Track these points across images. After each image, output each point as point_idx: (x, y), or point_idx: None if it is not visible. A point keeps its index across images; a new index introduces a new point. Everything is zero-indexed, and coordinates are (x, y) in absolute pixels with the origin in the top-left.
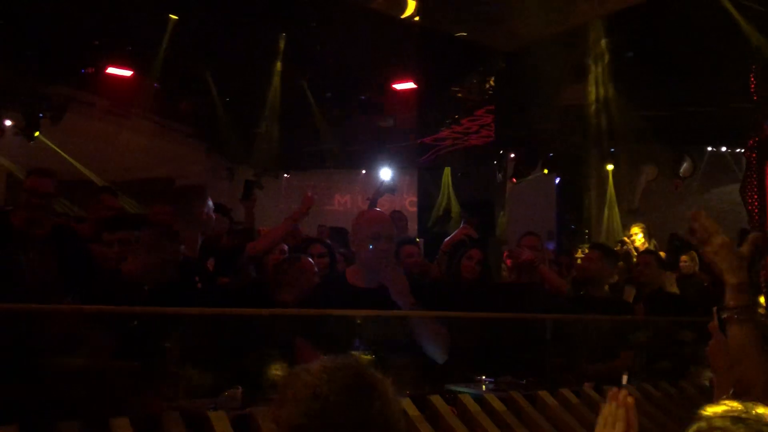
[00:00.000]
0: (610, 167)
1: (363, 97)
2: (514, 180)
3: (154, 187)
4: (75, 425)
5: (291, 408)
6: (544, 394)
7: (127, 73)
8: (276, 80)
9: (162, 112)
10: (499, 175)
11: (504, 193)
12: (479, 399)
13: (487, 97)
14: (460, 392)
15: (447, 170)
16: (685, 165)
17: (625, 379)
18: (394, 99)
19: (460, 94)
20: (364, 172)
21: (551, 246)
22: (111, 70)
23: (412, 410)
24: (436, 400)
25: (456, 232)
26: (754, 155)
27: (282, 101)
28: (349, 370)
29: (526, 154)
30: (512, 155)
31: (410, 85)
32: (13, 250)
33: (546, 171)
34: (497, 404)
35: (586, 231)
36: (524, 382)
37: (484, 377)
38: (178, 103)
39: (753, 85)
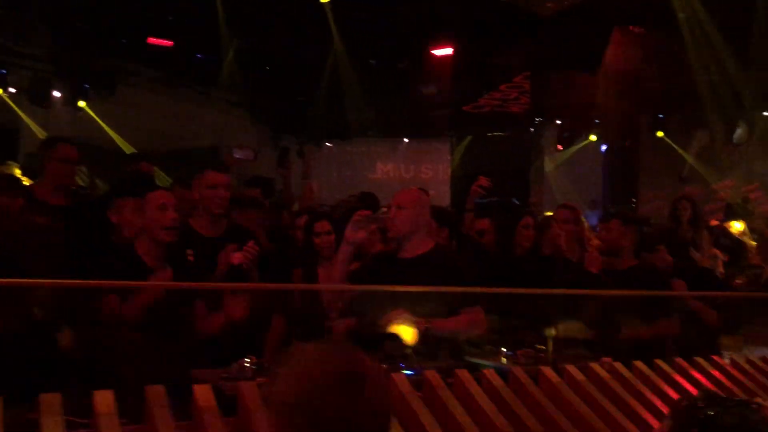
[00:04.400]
0: (660, 133)
1: (402, 64)
2: (560, 147)
3: (199, 157)
4: (58, 396)
5: (282, 386)
6: (572, 369)
7: (168, 43)
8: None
9: (206, 81)
10: (540, 142)
11: (541, 161)
12: (502, 373)
13: (526, 62)
14: (482, 365)
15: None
16: (739, 131)
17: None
18: (433, 65)
19: (498, 60)
20: (406, 140)
21: (595, 216)
22: (152, 40)
23: (437, 381)
24: (462, 373)
25: (471, 189)
26: None
27: (325, 70)
28: (344, 355)
29: (571, 121)
30: (558, 122)
31: (448, 50)
32: (35, 221)
33: (593, 138)
34: (524, 378)
35: (634, 201)
36: (542, 355)
37: (504, 350)
38: (223, 73)
39: None
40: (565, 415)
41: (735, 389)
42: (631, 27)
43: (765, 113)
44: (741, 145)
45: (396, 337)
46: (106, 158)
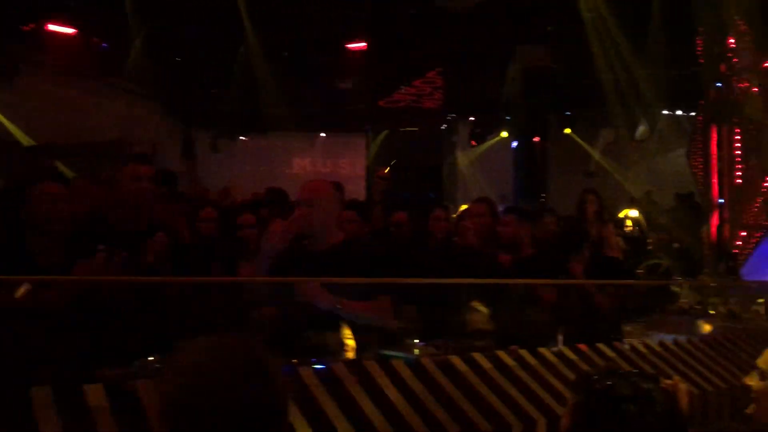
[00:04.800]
0: (568, 130)
1: (317, 58)
2: (474, 143)
3: (105, 150)
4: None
5: (172, 383)
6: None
7: (70, 31)
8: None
9: (113, 72)
10: (453, 138)
11: (455, 156)
12: (412, 363)
13: (439, 58)
14: (393, 357)
15: (385, 133)
16: (641, 128)
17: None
18: (348, 59)
19: (411, 55)
20: (323, 135)
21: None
22: (52, 27)
23: (344, 374)
24: (370, 365)
25: (374, 181)
26: (700, 118)
27: (239, 63)
28: (236, 349)
29: (484, 117)
30: (471, 118)
31: (362, 45)
32: None
33: (505, 134)
34: (431, 368)
35: (543, 195)
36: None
37: (418, 341)
38: (130, 63)
39: (699, 48)
40: (472, 404)
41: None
42: (540, 25)
43: (665, 111)
44: (643, 141)
45: (319, 327)
46: (2, 151)
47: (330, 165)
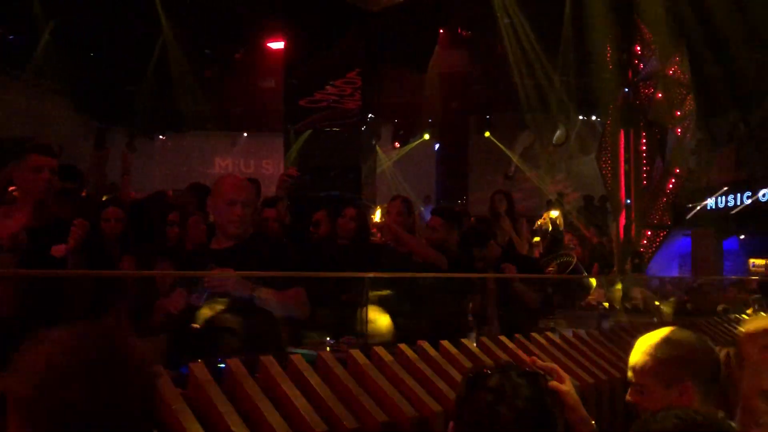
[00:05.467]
0: (487, 134)
1: (237, 56)
2: (397, 145)
3: (10, 146)
4: None
5: (21, 378)
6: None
7: None
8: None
9: (19, 65)
10: (374, 139)
11: (374, 156)
12: (312, 359)
13: (358, 59)
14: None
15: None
16: (558, 133)
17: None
18: (267, 58)
19: (331, 55)
20: (245, 134)
21: (429, 210)
22: None
23: (239, 369)
24: (267, 360)
25: (279, 178)
26: (608, 122)
27: (156, 59)
28: (97, 340)
29: (404, 119)
30: (395, 120)
31: (281, 44)
32: None
33: (427, 137)
34: (331, 361)
35: (463, 197)
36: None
37: (328, 339)
38: (38, 56)
39: (608, 55)
40: (371, 396)
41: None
42: (459, 30)
43: (581, 117)
44: (560, 145)
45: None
46: None
47: (253, 165)
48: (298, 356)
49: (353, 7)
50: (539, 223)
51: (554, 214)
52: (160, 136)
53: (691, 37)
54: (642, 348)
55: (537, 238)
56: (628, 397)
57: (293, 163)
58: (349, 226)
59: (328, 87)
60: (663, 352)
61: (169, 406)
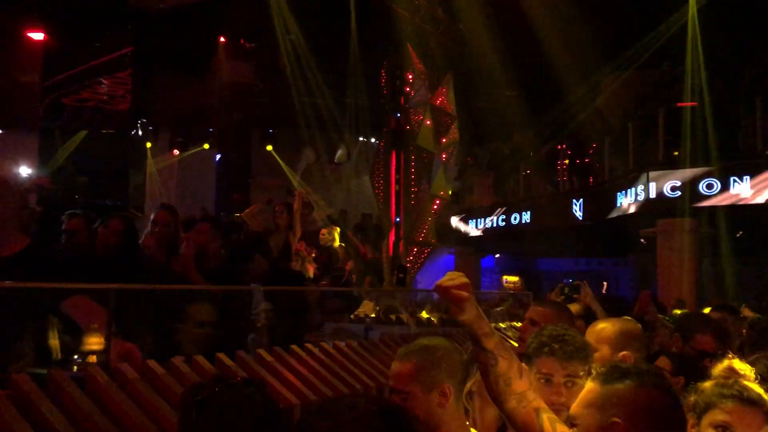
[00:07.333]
0: (269, 147)
1: None
2: (176, 152)
3: None
4: None
5: None
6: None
7: None
8: None
9: None
10: (145, 144)
11: (147, 163)
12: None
13: (129, 59)
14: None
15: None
16: (340, 152)
17: None
18: (26, 49)
19: (99, 52)
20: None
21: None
22: None
23: None
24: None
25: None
26: (381, 144)
27: None
28: None
29: (182, 126)
30: (175, 127)
31: (41, 35)
32: None
33: (207, 146)
34: (66, 382)
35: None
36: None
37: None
38: None
39: (383, 80)
40: (114, 414)
41: (308, 373)
42: (242, 41)
43: (361, 138)
44: (341, 164)
45: None
46: None
47: (6, 166)
48: (23, 375)
49: (122, 2)
50: (320, 238)
51: (332, 230)
52: None
53: (459, 74)
54: (402, 356)
55: (313, 254)
56: None
57: (62, 164)
58: (110, 240)
59: (96, 86)
60: (421, 358)
61: None
